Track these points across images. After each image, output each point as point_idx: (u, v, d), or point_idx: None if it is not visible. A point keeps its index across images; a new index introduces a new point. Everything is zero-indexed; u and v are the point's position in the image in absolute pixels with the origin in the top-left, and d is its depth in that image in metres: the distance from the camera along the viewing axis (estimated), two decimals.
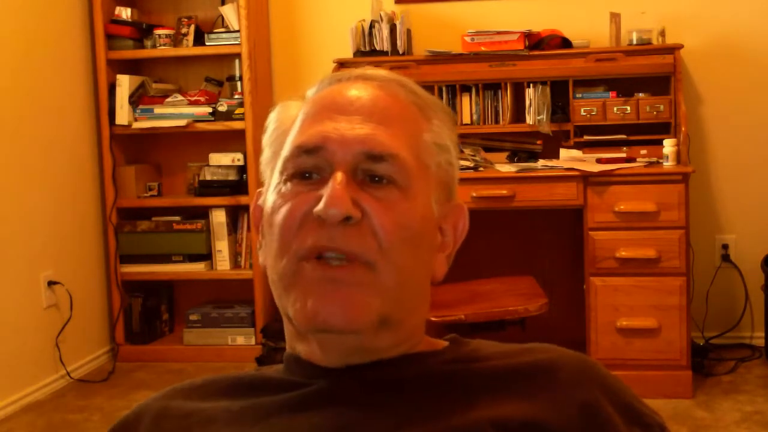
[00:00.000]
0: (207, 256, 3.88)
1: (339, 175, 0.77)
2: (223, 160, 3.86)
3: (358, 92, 0.83)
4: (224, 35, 3.81)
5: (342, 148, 0.79)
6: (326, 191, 0.76)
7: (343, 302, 0.76)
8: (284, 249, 0.79)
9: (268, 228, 0.81)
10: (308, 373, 0.83)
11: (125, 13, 3.87)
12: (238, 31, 3.77)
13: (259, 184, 0.90)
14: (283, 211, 0.79)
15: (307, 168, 0.80)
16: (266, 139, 0.88)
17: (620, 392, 0.83)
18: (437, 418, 0.77)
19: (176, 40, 3.88)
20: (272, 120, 0.88)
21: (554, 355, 0.84)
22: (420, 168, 0.82)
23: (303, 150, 0.80)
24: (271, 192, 0.82)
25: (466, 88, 3.61)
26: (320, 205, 0.76)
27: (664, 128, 3.45)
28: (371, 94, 0.83)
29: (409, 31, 3.76)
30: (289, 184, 0.81)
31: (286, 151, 0.82)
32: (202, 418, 0.83)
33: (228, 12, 3.80)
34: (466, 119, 3.62)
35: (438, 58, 3.64)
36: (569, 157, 3.47)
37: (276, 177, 0.82)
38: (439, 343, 0.88)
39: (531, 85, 3.53)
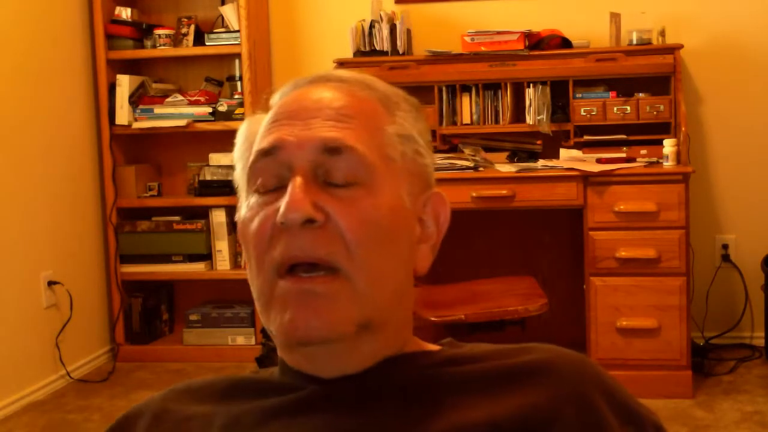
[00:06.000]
0: (207, 256, 3.89)
1: (298, 179, 0.77)
2: (223, 160, 3.86)
3: (313, 96, 0.83)
4: (224, 35, 3.81)
5: (299, 150, 0.79)
6: (285, 197, 0.76)
7: (319, 313, 0.76)
8: (260, 265, 0.79)
9: (244, 244, 0.82)
10: (302, 378, 0.83)
11: (125, 13, 3.87)
12: (238, 31, 3.77)
13: None
14: (253, 225, 0.79)
15: (270, 177, 0.80)
16: (235, 155, 0.88)
17: (616, 392, 0.83)
18: (434, 419, 0.77)
19: (176, 40, 3.88)
20: (240, 135, 0.89)
21: (550, 355, 0.83)
22: (384, 162, 0.81)
23: (261, 153, 0.80)
24: (243, 206, 0.83)
25: (466, 88, 3.61)
26: (280, 212, 0.76)
27: (664, 128, 3.45)
28: (327, 96, 0.83)
29: (409, 31, 3.76)
30: (255, 196, 0.81)
31: (249, 161, 0.82)
32: (200, 423, 0.84)
33: (228, 12, 3.80)
34: (466, 119, 3.62)
35: (438, 58, 3.63)
36: (569, 157, 3.47)
37: (244, 190, 0.83)
38: (431, 346, 0.88)
39: (531, 85, 3.53)
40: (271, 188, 0.80)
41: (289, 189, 0.76)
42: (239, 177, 0.87)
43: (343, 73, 0.87)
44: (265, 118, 0.85)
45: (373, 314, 0.78)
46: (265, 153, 0.80)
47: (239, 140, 0.88)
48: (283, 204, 0.76)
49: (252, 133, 0.86)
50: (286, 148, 0.79)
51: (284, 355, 0.84)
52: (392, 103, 0.85)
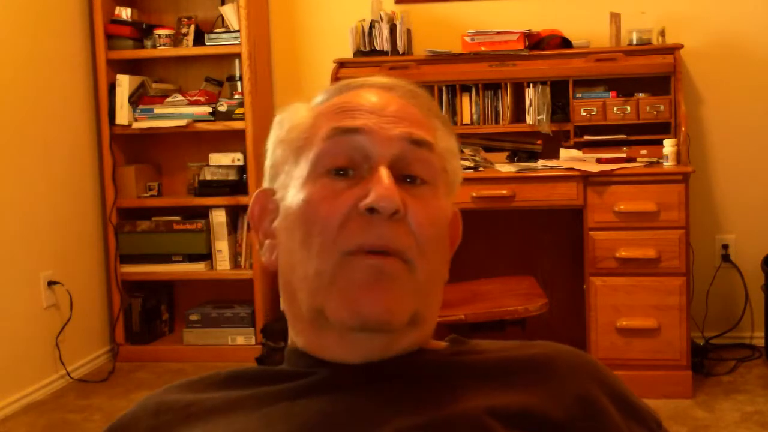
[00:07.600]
0: (207, 256, 3.89)
1: (384, 170, 0.78)
2: (223, 160, 3.86)
3: (383, 99, 0.84)
4: (224, 35, 3.81)
5: (387, 141, 0.80)
6: (375, 184, 0.77)
7: (384, 297, 0.77)
8: (325, 246, 0.78)
9: (305, 224, 0.80)
10: (309, 364, 0.83)
11: (125, 13, 3.87)
12: (238, 31, 3.77)
13: (260, 183, 0.90)
14: (324, 206, 0.79)
15: (341, 158, 0.80)
16: (278, 138, 0.87)
17: (616, 386, 0.84)
18: (435, 406, 0.78)
19: (176, 40, 3.88)
20: (284, 119, 0.88)
21: (551, 350, 0.85)
22: (442, 170, 0.85)
23: (342, 130, 0.81)
24: (297, 188, 0.82)
25: (466, 88, 3.61)
26: (371, 198, 0.76)
27: (664, 128, 3.45)
28: (398, 103, 0.85)
29: (409, 31, 3.76)
30: (324, 179, 0.80)
31: (320, 137, 0.82)
32: (201, 408, 0.84)
33: (228, 12, 3.80)
34: (466, 119, 3.62)
35: (438, 58, 3.63)
36: (569, 157, 3.47)
37: (304, 171, 0.82)
38: (439, 343, 0.89)
39: (531, 85, 3.53)
40: (340, 174, 0.80)
41: (380, 178, 0.78)
42: (281, 160, 0.86)
43: (400, 82, 0.88)
44: (319, 110, 0.85)
45: (422, 309, 0.81)
46: (346, 131, 0.81)
47: (282, 125, 0.88)
48: (373, 191, 0.77)
49: (300, 118, 0.86)
50: (372, 134, 0.80)
51: (298, 335, 0.84)
52: (440, 119, 0.89)
